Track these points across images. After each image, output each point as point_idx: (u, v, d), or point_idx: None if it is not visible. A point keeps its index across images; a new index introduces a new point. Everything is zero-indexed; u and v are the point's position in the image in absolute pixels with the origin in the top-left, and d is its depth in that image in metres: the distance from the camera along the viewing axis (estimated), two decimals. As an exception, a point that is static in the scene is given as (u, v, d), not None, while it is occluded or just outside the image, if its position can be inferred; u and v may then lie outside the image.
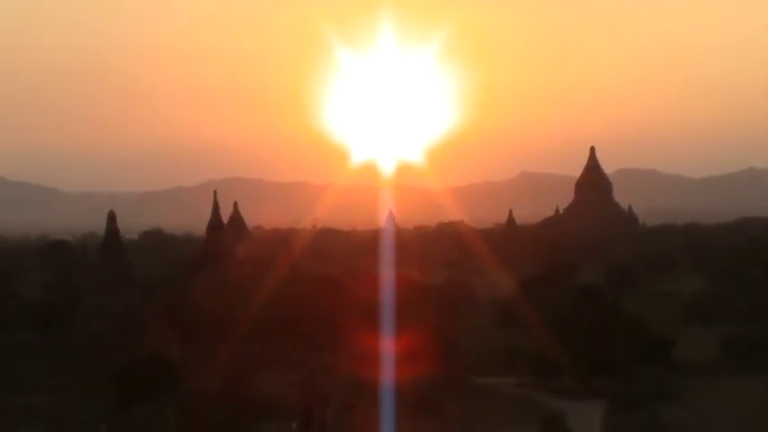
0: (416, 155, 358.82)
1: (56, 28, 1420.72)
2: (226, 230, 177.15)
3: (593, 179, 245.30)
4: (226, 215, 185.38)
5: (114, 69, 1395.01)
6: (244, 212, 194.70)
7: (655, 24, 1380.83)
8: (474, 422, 69.66)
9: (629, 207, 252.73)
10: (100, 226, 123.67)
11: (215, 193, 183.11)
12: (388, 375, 68.91)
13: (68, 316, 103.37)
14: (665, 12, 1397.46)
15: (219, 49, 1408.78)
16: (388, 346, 74.64)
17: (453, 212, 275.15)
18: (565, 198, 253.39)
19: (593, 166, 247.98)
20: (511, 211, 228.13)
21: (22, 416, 74.01)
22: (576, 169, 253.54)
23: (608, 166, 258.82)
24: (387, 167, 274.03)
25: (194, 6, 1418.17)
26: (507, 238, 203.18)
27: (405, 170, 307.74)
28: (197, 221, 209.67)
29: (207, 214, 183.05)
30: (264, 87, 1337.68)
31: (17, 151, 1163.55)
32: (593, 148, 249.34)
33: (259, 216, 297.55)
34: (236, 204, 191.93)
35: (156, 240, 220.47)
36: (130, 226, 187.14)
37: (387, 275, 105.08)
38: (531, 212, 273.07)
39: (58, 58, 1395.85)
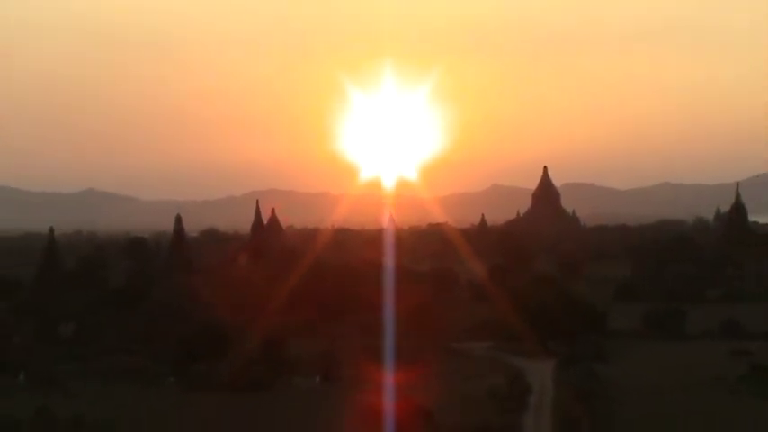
0: (411, 172, 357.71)
1: (133, 79, 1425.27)
2: (266, 230, 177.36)
3: (546, 191, 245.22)
4: (266, 218, 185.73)
5: (182, 107, 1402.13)
6: (279, 216, 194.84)
7: (594, 73, 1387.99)
8: (455, 376, 69.70)
9: (573, 212, 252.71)
10: (169, 226, 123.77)
11: (257, 201, 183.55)
12: (389, 340, 68.90)
13: (145, 296, 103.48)
14: (602, 64, 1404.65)
15: (263, 91, 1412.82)
16: (389, 317, 74.64)
17: (439, 216, 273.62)
18: (525, 205, 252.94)
19: (545, 181, 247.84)
20: (483, 215, 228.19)
21: (111, 373, 74.04)
22: (534, 183, 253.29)
23: (557, 181, 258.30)
24: (388, 182, 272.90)
25: (247, 64, 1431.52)
26: (480, 235, 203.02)
27: (402, 184, 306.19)
28: (244, 223, 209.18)
29: (251, 217, 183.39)
30: (296, 120, 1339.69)
31: (105, 168, 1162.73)
32: (545, 167, 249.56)
33: (291, 218, 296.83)
34: (273, 210, 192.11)
35: (212, 237, 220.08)
36: (192, 226, 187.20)
37: (388, 264, 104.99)
38: (498, 216, 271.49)
39: (138, 102, 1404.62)
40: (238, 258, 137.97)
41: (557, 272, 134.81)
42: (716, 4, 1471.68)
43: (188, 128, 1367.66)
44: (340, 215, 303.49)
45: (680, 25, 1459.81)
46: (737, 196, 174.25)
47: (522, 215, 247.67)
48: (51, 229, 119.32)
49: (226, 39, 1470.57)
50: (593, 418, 52.94)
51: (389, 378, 59.64)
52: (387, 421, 46.60)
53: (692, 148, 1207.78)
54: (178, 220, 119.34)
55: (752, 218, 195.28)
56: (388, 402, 50.39)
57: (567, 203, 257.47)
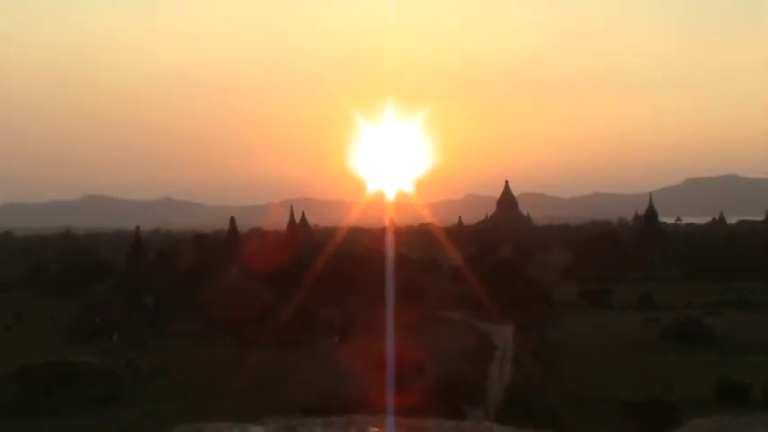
0: (407, 184, 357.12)
1: (200, 116, 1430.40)
2: (297, 228, 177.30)
3: (507, 199, 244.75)
4: (297, 218, 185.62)
5: (237, 135, 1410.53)
6: (308, 217, 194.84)
7: (545, 110, 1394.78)
8: (438, 337, 69.68)
9: (528, 214, 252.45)
10: (226, 226, 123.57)
11: (291, 206, 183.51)
12: (389, 310, 68.79)
13: (207, 276, 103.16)
14: (552, 103, 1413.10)
15: (295, 122, 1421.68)
16: (390, 293, 74.47)
17: (428, 218, 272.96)
18: (491, 209, 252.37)
19: (507, 191, 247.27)
20: (460, 217, 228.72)
21: (182, 334, 74.01)
22: (498, 192, 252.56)
23: (515, 191, 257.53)
24: (389, 192, 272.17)
25: (284, 103, 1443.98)
26: (458, 232, 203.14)
27: (400, 193, 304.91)
28: (281, 223, 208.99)
29: (286, 219, 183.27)
30: (319, 144, 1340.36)
31: (179, 181, 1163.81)
32: (507, 181, 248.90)
33: (315, 219, 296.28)
34: (303, 213, 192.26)
35: (256, 234, 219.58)
36: (243, 225, 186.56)
37: (389, 253, 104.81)
38: (472, 218, 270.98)
39: (204, 132, 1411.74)
40: (276, 249, 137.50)
41: (515, 258, 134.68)
42: (641, 57, 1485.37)
43: (241, 151, 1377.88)
44: (353, 217, 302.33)
45: (611, 72, 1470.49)
46: (651, 203, 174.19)
47: (489, 217, 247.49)
48: (137, 228, 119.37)
49: (271, 87, 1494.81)
50: (543, 369, 53.04)
51: (390, 338, 59.52)
52: (388, 369, 46.55)
53: (617, 166, 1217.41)
54: (232, 221, 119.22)
55: (661, 219, 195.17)
56: (389, 356, 50.33)
57: (523, 208, 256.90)
